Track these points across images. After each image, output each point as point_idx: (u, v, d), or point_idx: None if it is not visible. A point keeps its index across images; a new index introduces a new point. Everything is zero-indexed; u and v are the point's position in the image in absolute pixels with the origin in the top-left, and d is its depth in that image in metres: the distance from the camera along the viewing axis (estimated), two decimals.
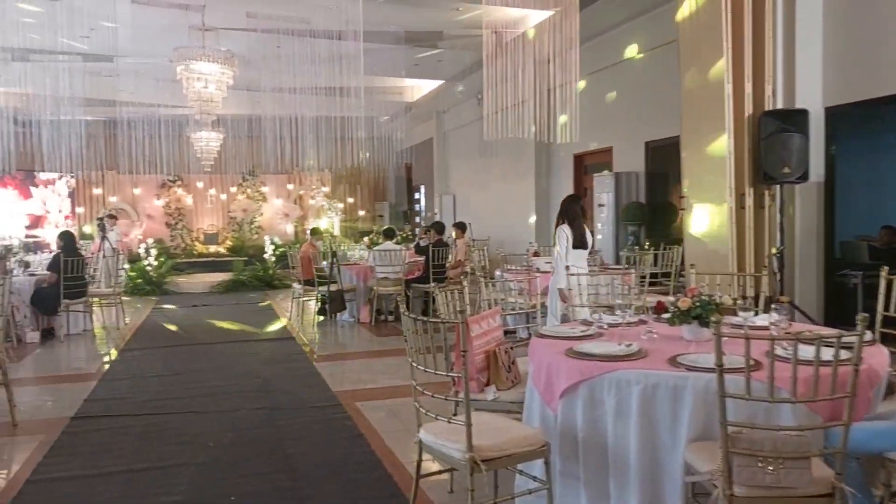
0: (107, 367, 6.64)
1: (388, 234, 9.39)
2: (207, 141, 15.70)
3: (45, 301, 8.06)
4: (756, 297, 4.49)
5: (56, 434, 4.51)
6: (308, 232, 10.10)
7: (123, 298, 12.47)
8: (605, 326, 3.55)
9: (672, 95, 7.69)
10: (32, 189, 15.51)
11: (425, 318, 2.88)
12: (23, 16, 8.56)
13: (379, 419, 4.83)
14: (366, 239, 10.28)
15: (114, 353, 7.26)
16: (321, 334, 8.56)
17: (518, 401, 3.37)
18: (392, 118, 17.61)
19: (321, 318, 9.28)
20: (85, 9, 8.40)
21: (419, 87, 16.05)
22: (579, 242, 5.84)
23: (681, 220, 8.33)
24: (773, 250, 6.45)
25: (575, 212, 5.91)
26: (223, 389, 5.73)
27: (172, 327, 9.06)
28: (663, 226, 9.38)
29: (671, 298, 3.47)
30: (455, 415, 3.42)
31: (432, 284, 8.85)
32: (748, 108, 6.53)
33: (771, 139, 6.28)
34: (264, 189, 18.86)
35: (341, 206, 19.23)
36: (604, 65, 10.19)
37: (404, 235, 15.33)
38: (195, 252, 17.59)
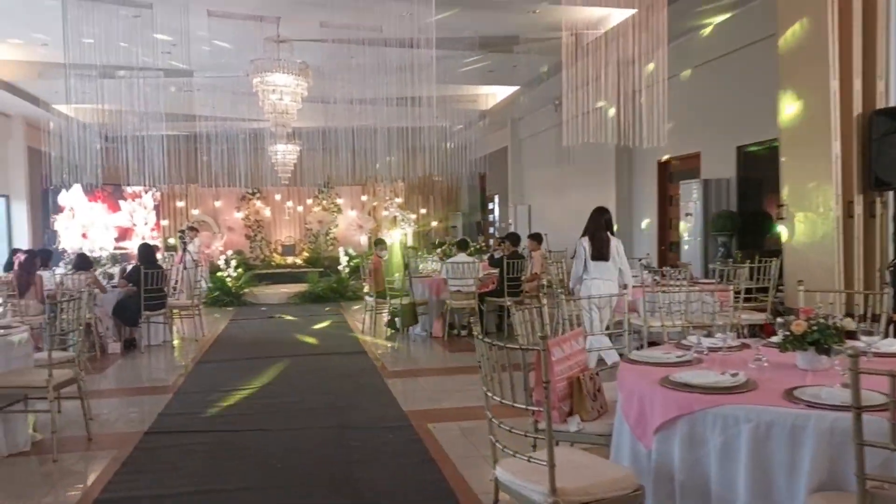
0: (182, 379, 6.70)
1: (462, 246, 9.17)
2: (284, 154, 15.99)
3: (127, 312, 8.26)
4: (873, 317, 4.00)
5: (129, 450, 4.49)
6: (373, 243, 10.03)
7: (203, 309, 12.82)
8: (705, 351, 3.19)
9: (768, 95, 7.15)
10: (121, 202, 16.20)
11: (501, 344, 2.60)
12: (107, 33, 8.89)
13: (451, 442, 4.59)
14: (438, 250, 10.11)
15: (190, 366, 7.33)
16: (393, 348, 8.42)
17: (605, 433, 3.06)
18: (466, 127, 17.46)
19: (393, 331, 9.16)
20: (164, 24, 8.63)
21: (493, 95, 15.85)
22: (598, 254, 6.05)
23: (778, 231, 7.75)
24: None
25: (597, 224, 6.14)
26: (293, 405, 5.64)
27: (248, 339, 9.13)
28: (756, 236, 8.77)
29: (780, 320, 3.08)
30: (534, 446, 3.14)
31: (507, 298, 8.57)
32: (857, 107, 5.95)
33: (883, 140, 5.70)
34: (339, 201, 19.07)
35: (414, 217, 19.23)
36: (692, 64, 9.67)
37: (478, 247, 15.06)
38: (273, 263, 17.94)
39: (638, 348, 6.11)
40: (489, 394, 2.70)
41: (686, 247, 9.52)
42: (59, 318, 4.87)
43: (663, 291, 5.47)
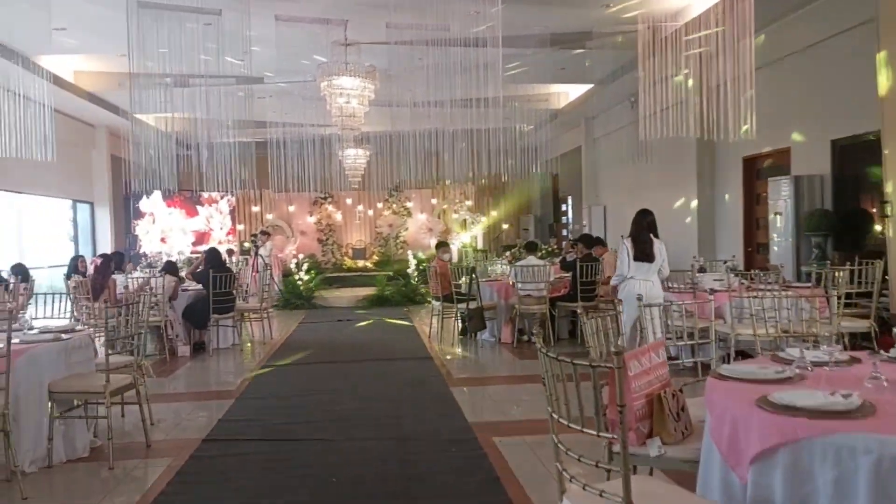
0: (246, 384, 6.64)
1: (531, 248, 8.81)
2: (355, 158, 16.08)
3: (196, 315, 8.33)
4: None
5: (185, 458, 4.39)
6: (435, 246, 9.77)
7: (274, 312, 12.94)
8: (808, 366, 2.76)
9: (866, 85, 6.50)
10: (198, 208, 16.65)
11: (568, 360, 2.28)
12: (179, 42, 9.03)
13: (519, 460, 4.26)
14: (507, 253, 9.78)
15: (255, 370, 7.28)
16: (459, 354, 8.16)
17: (691, 459, 2.68)
18: (537, 127, 17.08)
19: (462, 336, 8.90)
20: (235, 31, 8.68)
21: (566, 93, 15.40)
22: (640, 255, 6.14)
23: (880, 230, 7.04)
24: None
25: (639, 226, 6.26)
26: (355, 414, 5.45)
27: (315, 343, 9.07)
28: (855, 236, 8.02)
29: None
30: (608, 475, 2.79)
31: (580, 303, 8.16)
32: None
33: None
34: (409, 204, 19.01)
35: (484, 219, 18.95)
36: (781, 54, 8.98)
37: (550, 249, 14.64)
38: (344, 267, 18.05)
39: (724, 358, 5.65)
40: (554, 415, 2.38)
41: (775, 248, 8.84)
42: (128, 321, 4.83)
43: (754, 297, 4.97)
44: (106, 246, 14.92)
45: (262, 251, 12.78)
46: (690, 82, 7.75)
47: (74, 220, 14.26)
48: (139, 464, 4.36)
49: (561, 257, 10.07)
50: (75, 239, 14.23)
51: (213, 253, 8.64)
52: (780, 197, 8.66)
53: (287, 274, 14.55)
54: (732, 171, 10.71)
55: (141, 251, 14.83)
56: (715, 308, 5.23)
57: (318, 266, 17.23)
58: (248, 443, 4.73)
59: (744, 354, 5.92)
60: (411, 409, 5.54)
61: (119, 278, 8.44)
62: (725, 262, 7.76)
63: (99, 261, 8.14)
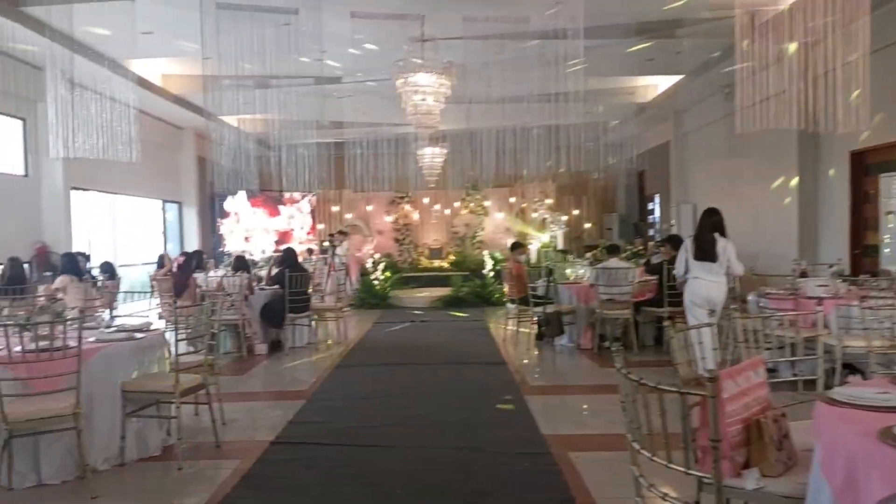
0: (318, 384, 6.61)
1: (613, 251, 8.43)
2: (432, 157, 16.02)
3: (273, 314, 8.42)
4: None
5: (251, 461, 4.35)
6: (510, 247, 9.49)
7: (351, 311, 13.04)
8: None
9: None
10: (280, 207, 17.02)
11: (651, 384, 2.01)
12: (259, 43, 9.17)
13: (596, 478, 3.98)
14: (588, 254, 9.42)
15: (328, 371, 7.26)
16: (535, 360, 7.89)
17: (794, 495, 2.35)
18: (622, 122, 16.52)
19: (538, 340, 8.63)
20: (312, 30, 8.73)
21: (654, 86, 14.80)
22: (700, 254, 6.15)
23: None
24: None
25: (702, 225, 6.31)
26: (424, 420, 5.30)
27: (388, 344, 9.01)
28: None
29: None
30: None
31: (666, 308, 7.74)
32: None
33: None
34: (486, 203, 18.80)
35: (565, 218, 18.50)
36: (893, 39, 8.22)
37: (636, 250, 14.02)
38: (420, 266, 18.04)
39: (829, 373, 5.15)
40: (635, 445, 2.12)
41: (887, 250, 8.10)
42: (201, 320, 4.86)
43: (867, 306, 4.48)
44: (192, 244, 15.47)
45: (338, 250, 12.89)
46: (794, 69, 7.18)
47: (164, 220, 14.85)
48: (208, 465, 4.35)
49: (646, 259, 9.61)
50: (164, 237, 14.83)
51: (290, 253, 8.72)
52: (893, 195, 7.92)
53: (364, 273, 14.64)
54: (838, 167, 9.91)
55: (225, 250, 15.26)
56: (818, 317, 4.75)
57: (395, 265, 17.29)
58: (315, 447, 4.65)
59: (851, 368, 5.40)
60: (482, 418, 5.34)
61: (200, 276, 8.64)
62: (831, 266, 7.14)
63: (182, 259, 8.36)
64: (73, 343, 3.76)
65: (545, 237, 17.86)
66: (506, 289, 8.78)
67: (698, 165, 15.47)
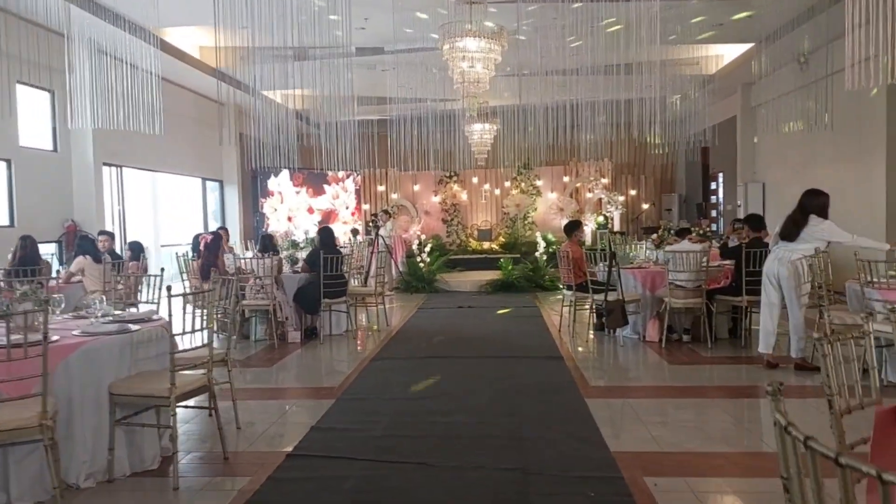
0: (351, 380, 5.88)
1: (683, 233, 7.43)
2: (481, 133, 15.14)
3: (307, 299, 7.75)
4: None
5: (262, 479, 3.63)
6: (564, 228, 8.53)
7: (395, 295, 12.34)
8: None
9: None
10: (325, 187, 16.41)
11: (830, 453, 1.11)
12: (301, 13, 8.45)
13: None
14: (653, 236, 8.43)
15: (363, 364, 6.52)
16: (596, 355, 7.00)
17: None
18: (684, 96, 15.30)
19: (597, 331, 7.74)
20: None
21: (720, 56, 13.57)
22: (783, 232, 5.95)
23: None
24: None
25: (799, 204, 6.00)
26: (467, 429, 4.50)
27: (431, 332, 8.24)
28: None
29: None
30: None
31: (744, 297, 6.74)
32: None
33: None
34: (538, 182, 17.82)
35: (622, 199, 17.38)
36: None
37: (701, 232, 12.76)
38: (468, 248, 17.22)
39: None
40: None
41: None
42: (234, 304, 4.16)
43: None
44: (234, 224, 15.01)
45: (381, 231, 12.17)
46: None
47: (204, 199, 14.40)
48: (209, 483, 3.64)
49: (722, 242, 8.51)
50: (204, 217, 14.38)
51: (325, 233, 8.01)
52: None
53: (410, 255, 13.91)
54: None
55: (268, 230, 14.72)
56: None
57: (442, 247, 16.51)
58: (337, 462, 3.90)
59: None
60: (537, 428, 4.50)
61: (229, 258, 8.00)
62: None
63: (209, 238, 7.74)
64: (39, 337, 3.07)
65: (601, 218, 16.79)
66: (561, 273, 7.86)
67: (768, 142, 14.18)
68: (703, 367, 6.21)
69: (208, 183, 14.65)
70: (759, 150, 14.62)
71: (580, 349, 7.10)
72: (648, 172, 18.37)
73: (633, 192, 18.09)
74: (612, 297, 7.14)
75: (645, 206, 18.02)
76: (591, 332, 7.66)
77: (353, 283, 9.52)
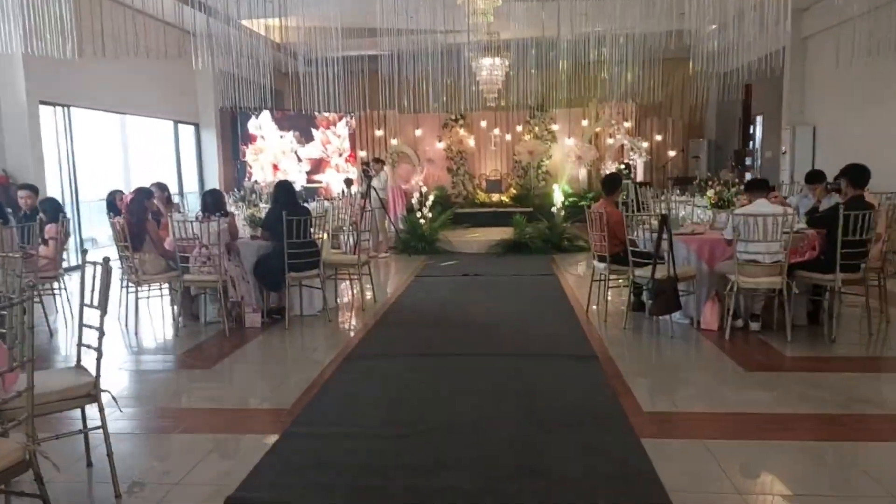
0: (310, 395, 4.23)
1: (758, 187, 5.57)
2: (491, 70, 13.19)
3: (268, 273, 6.07)
4: None
5: None
6: (602, 183, 6.73)
7: (391, 257, 10.65)
8: None
9: None
10: (313, 131, 14.54)
11: None
12: None
13: None
14: (710, 193, 6.63)
15: (332, 366, 4.85)
16: (641, 353, 5.31)
17: None
18: (721, 26, 13.20)
19: (635, 311, 6.05)
20: None
21: None
22: None
23: None
24: None
25: None
26: (471, 459, 2.94)
27: (428, 313, 6.56)
28: None
29: None
30: None
31: (838, 275, 5.02)
32: None
33: None
34: (554, 127, 15.87)
35: (646, 145, 15.45)
36: None
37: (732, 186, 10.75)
38: (476, 201, 15.43)
39: None
40: None
41: None
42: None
43: None
44: (213, 174, 13.26)
45: (374, 183, 10.39)
46: None
47: (176, 145, 12.60)
48: None
49: (811, 206, 6.60)
50: (178, 166, 12.61)
51: (282, 188, 6.25)
52: None
53: (409, 210, 12.15)
54: None
55: (251, 180, 12.95)
56: None
57: (447, 200, 14.72)
58: None
59: None
60: (565, 462, 2.89)
61: (177, 217, 6.22)
62: None
63: (129, 198, 6.02)
64: None
65: (621, 167, 14.89)
66: (591, 240, 6.12)
67: (821, 78, 12.17)
68: (795, 377, 4.49)
69: (182, 127, 12.82)
70: (809, 87, 12.60)
71: (618, 343, 5.40)
72: (676, 115, 16.35)
73: (658, 138, 16.12)
74: (659, 272, 5.41)
75: (671, 154, 16.08)
76: (628, 313, 5.94)
77: (342, 247, 7.81)
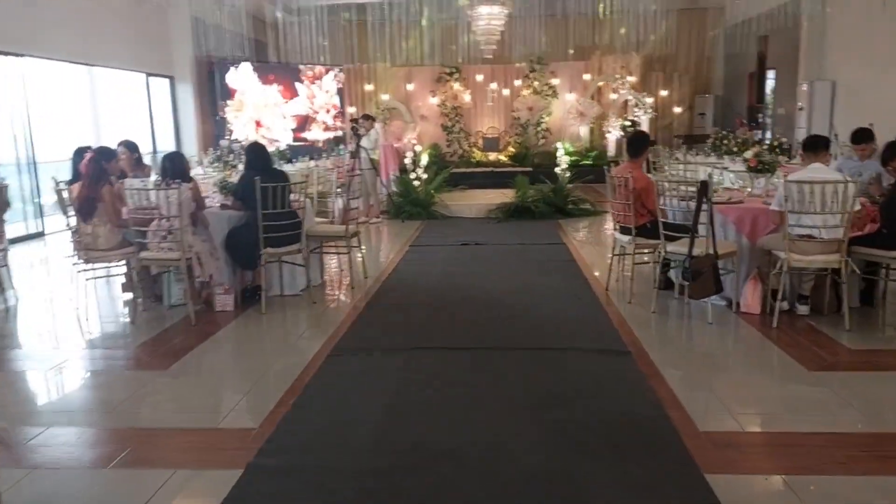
0: (292, 400, 3.43)
1: (815, 147, 4.70)
2: (489, 20, 12.13)
3: (241, 248, 5.21)
4: None
5: None
6: (627, 143, 5.81)
7: (384, 221, 9.79)
8: None
9: None
10: (298, 86, 13.46)
11: None
12: None
13: None
14: (748, 154, 5.75)
15: (309, 371, 4.02)
16: (678, 342, 4.53)
17: None
18: None
19: (663, 289, 5.25)
20: None
21: None
22: None
23: None
24: None
25: None
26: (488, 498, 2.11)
27: (424, 292, 5.73)
28: None
29: None
30: None
31: None
32: None
33: None
34: (555, 81, 14.84)
35: (651, 101, 14.47)
36: None
37: (739, 147, 9.73)
38: (473, 160, 14.50)
39: None
40: None
41: None
42: None
43: None
44: (189, 132, 12.23)
45: (363, 142, 9.43)
46: None
47: (149, 99, 11.53)
48: None
49: (856, 171, 5.65)
50: (151, 124, 11.57)
51: (254, 151, 5.34)
52: None
53: (403, 171, 11.22)
54: None
55: (231, 138, 11.91)
56: None
57: (442, 159, 13.78)
58: None
59: None
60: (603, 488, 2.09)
61: (135, 183, 5.28)
62: None
63: (88, 159, 5.09)
64: None
65: (626, 124, 13.96)
66: (612, 210, 5.27)
67: (844, 30, 11.21)
68: (869, 378, 3.72)
69: (156, 80, 11.73)
70: (829, 40, 11.63)
71: (649, 331, 4.61)
72: (682, 69, 15.34)
73: (664, 93, 15.15)
74: (697, 251, 4.58)
75: (678, 110, 15.12)
76: (657, 294, 5.14)
77: (331, 214, 6.93)
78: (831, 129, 10.53)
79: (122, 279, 5.64)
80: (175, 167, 4.95)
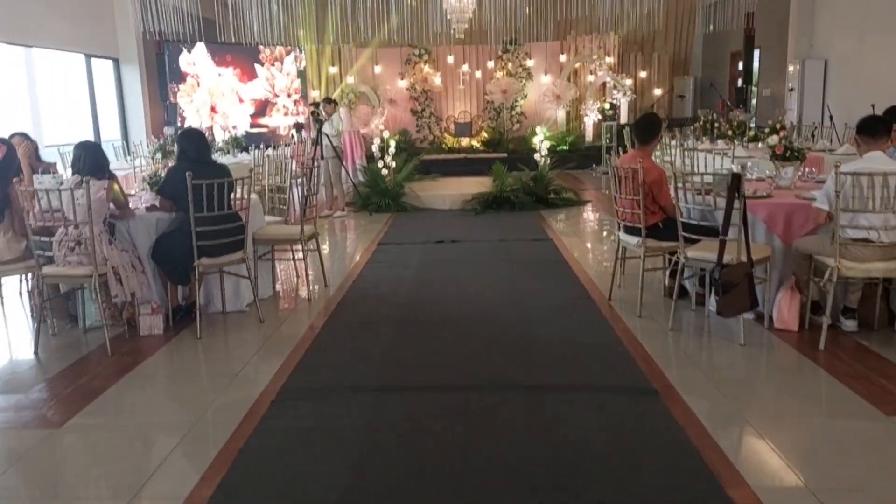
0: (223, 473, 2.48)
1: (874, 128, 3.81)
2: None
3: (171, 259, 4.20)
4: None
5: None
6: (635, 127, 4.79)
7: (350, 213, 8.81)
8: None
9: None
10: (257, 67, 12.30)
11: None
12: None
13: None
14: (773, 139, 4.85)
15: (265, 397, 3.07)
16: (702, 366, 3.63)
17: None
18: None
19: (675, 298, 4.37)
20: None
21: None
22: None
23: None
24: None
25: None
26: None
27: (395, 305, 4.76)
28: None
29: None
30: None
31: None
32: None
33: None
34: (529, 63, 13.90)
35: (630, 83, 13.61)
36: None
37: (728, 133, 8.82)
38: (445, 146, 13.53)
39: None
40: None
41: None
42: None
43: None
44: (138, 119, 11.03)
45: (326, 128, 8.40)
46: None
47: (90, 84, 10.29)
48: None
49: None
50: (93, 110, 10.33)
51: (189, 138, 4.32)
52: None
53: (370, 159, 10.21)
54: None
55: (182, 125, 10.74)
56: None
57: (411, 146, 12.79)
58: None
59: None
60: None
61: (45, 180, 4.23)
62: None
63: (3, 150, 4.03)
64: None
65: (605, 106, 13.13)
66: (616, 207, 4.36)
67: (834, 5, 10.48)
68: None
69: (98, 62, 10.47)
70: (819, 15, 10.88)
71: (671, 356, 3.73)
72: (660, 49, 14.51)
73: (643, 75, 14.31)
74: (728, 258, 3.71)
75: (658, 92, 14.31)
76: (674, 309, 4.27)
77: (289, 210, 5.92)
78: (825, 111, 9.82)
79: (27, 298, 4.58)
80: (90, 159, 3.90)
